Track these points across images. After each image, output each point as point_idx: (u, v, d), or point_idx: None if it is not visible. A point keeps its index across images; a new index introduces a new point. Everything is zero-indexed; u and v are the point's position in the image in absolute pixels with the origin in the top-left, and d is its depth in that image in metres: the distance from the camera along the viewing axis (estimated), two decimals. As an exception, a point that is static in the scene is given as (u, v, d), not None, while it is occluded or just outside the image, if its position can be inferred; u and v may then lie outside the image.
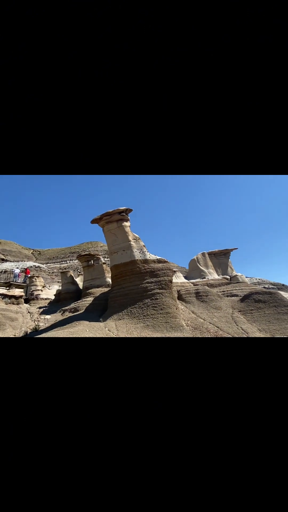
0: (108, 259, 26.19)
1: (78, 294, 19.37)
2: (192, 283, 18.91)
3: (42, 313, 17.49)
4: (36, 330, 13.34)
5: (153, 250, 14.35)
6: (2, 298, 17.55)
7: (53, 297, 20.69)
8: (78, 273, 27.07)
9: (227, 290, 17.65)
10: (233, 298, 16.00)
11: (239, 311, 13.74)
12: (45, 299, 20.69)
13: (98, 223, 15.05)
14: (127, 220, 14.73)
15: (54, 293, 21.35)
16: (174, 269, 16.62)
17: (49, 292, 22.17)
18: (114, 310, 12.85)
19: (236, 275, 22.17)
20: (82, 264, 19.78)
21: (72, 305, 17.07)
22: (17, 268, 24.74)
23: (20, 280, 21.81)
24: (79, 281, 21.08)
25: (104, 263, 19.40)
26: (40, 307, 18.90)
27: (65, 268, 32.43)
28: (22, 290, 19.84)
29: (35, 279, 21.84)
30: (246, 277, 23.27)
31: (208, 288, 16.30)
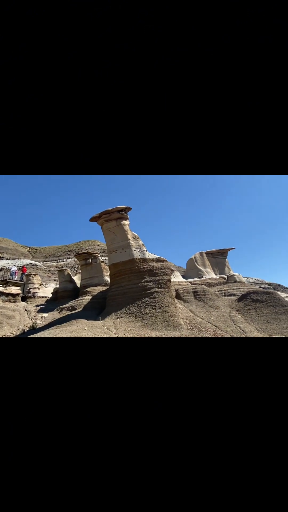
0: (106, 257, 26.15)
1: (76, 292, 19.32)
2: (190, 282, 18.96)
3: (39, 311, 17.42)
4: (33, 328, 13.29)
5: (150, 249, 14.38)
6: (-1, 296, 17.44)
7: (50, 295, 20.62)
8: (75, 271, 26.99)
9: (225, 290, 17.73)
10: (230, 297, 16.08)
11: (237, 311, 13.81)
12: (42, 297, 20.61)
13: (97, 221, 15.00)
14: (126, 219, 14.69)
15: (51, 291, 21.27)
16: (172, 268, 16.64)
17: (46, 290, 22.09)
18: (113, 309, 12.84)
19: (233, 274, 22.27)
20: (80, 263, 19.72)
21: (70, 303, 17.03)
22: (14, 265, 24.56)
23: (17, 278, 21.67)
24: (77, 279, 21.03)
25: (102, 262, 19.36)
26: (37, 305, 18.83)
27: (62, 267, 32.32)
28: (19, 288, 19.72)
29: (32, 277, 21.73)
30: (242, 276, 23.38)
31: (206, 287, 16.35)
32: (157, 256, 14.25)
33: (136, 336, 10.50)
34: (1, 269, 24.93)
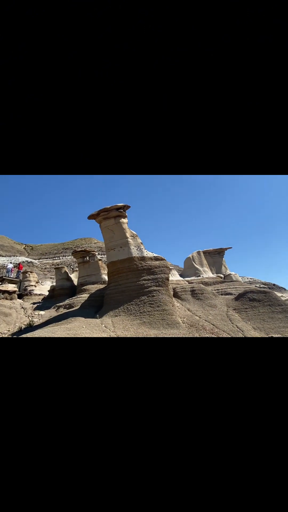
0: (103, 255, 26.06)
1: (73, 290, 19.28)
2: (187, 281, 19.07)
3: (36, 308, 17.36)
4: (30, 326, 13.24)
5: (147, 247, 14.40)
6: (-5, 294, 17.31)
7: (47, 293, 20.55)
8: (72, 269, 26.90)
9: (222, 289, 17.88)
10: (227, 296, 16.22)
11: (234, 309, 13.96)
12: (39, 294, 20.53)
13: (95, 219, 14.97)
14: (124, 217, 14.70)
15: (48, 289, 21.19)
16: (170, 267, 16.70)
17: (42, 288, 22.00)
18: (111, 307, 12.87)
19: (230, 274, 22.45)
20: (77, 261, 19.67)
21: (67, 301, 17.00)
22: (10, 263, 24.39)
23: (13, 275, 21.54)
24: (73, 277, 20.97)
25: (99, 260, 19.34)
26: (33, 303, 18.75)
27: (58, 264, 32.17)
28: (15, 285, 19.62)
29: (29, 274, 21.62)
30: (239, 276, 23.57)
31: (203, 286, 16.47)
32: (156, 255, 14.29)
33: (134, 334, 10.55)
34: (-3, 266, 24.72)
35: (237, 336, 11.19)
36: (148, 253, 14.21)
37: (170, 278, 14.76)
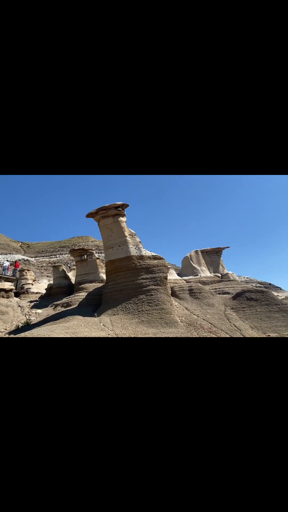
0: (100, 254, 26.01)
1: (70, 289, 19.25)
2: (185, 280, 19.15)
3: (33, 307, 17.30)
4: (28, 324, 13.21)
5: (145, 247, 14.43)
6: (-8, 292, 17.19)
7: (44, 291, 20.49)
8: (69, 267, 26.82)
9: (219, 288, 18.00)
10: (225, 295, 16.34)
11: (232, 309, 14.07)
12: (36, 293, 20.45)
13: (94, 218, 14.95)
14: (123, 215, 14.70)
15: (45, 287, 21.12)
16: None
17: (39, 286, 21.91)
18: (109, 306, 12.88)
19: (227, 273, 22.61)
20: (75, 259, 19.64)
21: (65, 299, 16.97)
22: (7, 261, 24.21)
23: (9, 273, 21.39)
24: (71, 275, 20.92)
25: (97, 258, 19.32)
26: (30, 301, 18.68)
27: (55, 263, 32.07)
28: (12, 283, 19.49)
29: (26, 272, 21.51)
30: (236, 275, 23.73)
31: (201, 285, 16.57)
32: (154, 254, 14.33)
33: (132, 332, 10.58)
34: (-7, 264, 24.52)
35: (235, 334, 11.30)
36: (146, 252, 14.24)
37: (168, 277, 14.81)
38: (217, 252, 23.91)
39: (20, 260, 32.70)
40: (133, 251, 13.92)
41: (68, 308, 15.12)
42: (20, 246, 42.61)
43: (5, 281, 19.61)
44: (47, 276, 29.93)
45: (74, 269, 22.38)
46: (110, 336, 9.95)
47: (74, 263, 26.77)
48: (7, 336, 11.50)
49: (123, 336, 10.00)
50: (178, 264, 30.82)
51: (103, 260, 22.02)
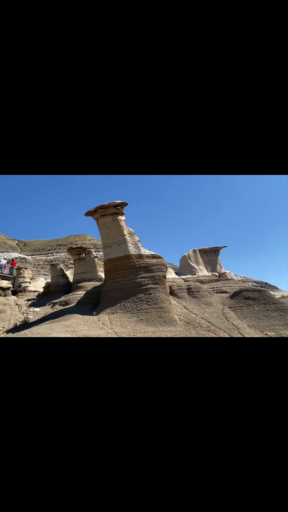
0: (97, 253, 25.92)
1: (68, 287, 19.22)
2: (183, 279, 19.23)
3: (30, 305, 17.25)
4: (26, 323, 13.17)
5: (143, 245, 14.46)
6: (-11, 290, 17.10)
7: (41, 290, 20.42)
8: (66, 266, 26.74)
9: (217, 287, 18.10)
10: (222, 294, 16.44)
11: (229, 307, 14.18)
12: (34, 291, 20.39)
13: (93, 216, 14.92)
14: (122, 214, 14.70)
15: (42, 285, 21.05)
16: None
17: (37, 285, 21.84)
18: (107, 304, 12.90)
19: (225, 272, 22.73)
20: (73, 257, 19.60)
21: (62, 298, 16.95)
22: (4, 259, 24.04)
23: (6, 271, 21.26)
24: (68, 274, 20.87)
25: (95, 257, 19.30)
26: (28, 300, 18.62)
27: (52, 261, 31.94)
28: (9, 281, 19.39)
29: (23, 270, 21.41)
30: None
31: (199, 284, 16.65)
32: (153, 253, 14.37)
33: (131, 331, 10.62)
34: (-10, 262, 24.33)
35: (233, 333, 11.40)
36: (145, 251, 14.27)
37: (166, 276, 14.85)
38: (215, 251, 24.02)
39: (16, 258, 32.51)
40: (132, 250, 13.94)
41: (66, 306, 15.11)
42: (16, 244, 42.36)
43: (2, 279, 19.49)
44: (44, 274, 29.81)
45: (71, 267, 22.33)
46: (109, 334, 9.98)
47: (71, 261, 26.68)
48: (5, 334, 11.46)
49: (122, 334, 10.04)
50: (175, 263, 30.91)
51: (101, 258, 21.99)
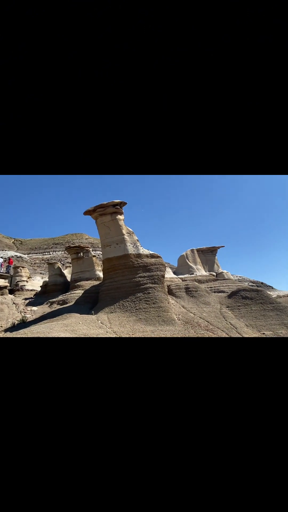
0: (95, 252, 25.90)
1: (66, 286, 19.20)
2: (181, 278, 19.34)
3: (28, 304, 17.21)
4: (23, 322, 13.15)
5: (142, 245, 14.49)
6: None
7: (38, 289, 20.36)
8: (63, 265, 26.66)
9: (215, 286, 18.25)
10: (220, 294, 16.59)
11: (227, 307, 14.33)
12: (31, 290, 20.32)
13: (91, 215, 14.93)
14: (121, 213, 14.74)
15: (39, 284, 20.98)
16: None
17: (34, 284, 21.77)
18: (106, 303, 12.94)
19: (222, 272, 22.92)
20: (71, 256, 19.58)
21: (60, 297, 16.93)
22: (1, 257, 23.86)
23: (3, 270, 21.10)
24: (66, 273, 20.83)
25: (94, 256, 19.29)
26: (25, 298, 18.57)
27: (48, 259, 31.81)
28: (5, 280, 19.29)
29: (20, 269, 21.31)
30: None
31: (197, 283, 16.78)
32: (151, 252, 14.44)
33: (130, 330, 10.69)
34: (-14, 260, 24.09)
35: (231, 332, 11.54)
36: (144, 251, 14.33)
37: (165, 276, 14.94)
38: (212, 251, 24.20)
39: (13, 256, 32.29)
40: (131, 249, 13.99)
41: (64, 305, 15.11)
42: (12, 242, 42.06)
43: (-1, 278, 19.37)
44: (40, 273, 29.70)
45: (68, 266, 22.29)
46: (108, 333, 10.03)
47: (68, 260, 26.61)
48: (3, 333, 11.43)
49: (121, 333, 10.09)
50: (172, 262, 31.04)
51: (98, 257, 21.99)
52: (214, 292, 17.10)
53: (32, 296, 19.27)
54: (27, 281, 20.99)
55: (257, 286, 26.73)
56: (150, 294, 12.85)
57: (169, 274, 19.29)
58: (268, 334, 11.77)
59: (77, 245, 20.55)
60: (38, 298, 18.54)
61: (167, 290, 14.56)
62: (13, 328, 12.29)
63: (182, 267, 21.59)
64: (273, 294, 20.14)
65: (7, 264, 22.35)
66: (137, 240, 14.58)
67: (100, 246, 23.76)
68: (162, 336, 9.92)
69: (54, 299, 16.92)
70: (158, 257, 14.28)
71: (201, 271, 21.18)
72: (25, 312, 15.43)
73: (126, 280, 13.48)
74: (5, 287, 18.38)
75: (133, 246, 14.18)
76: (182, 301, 14.65)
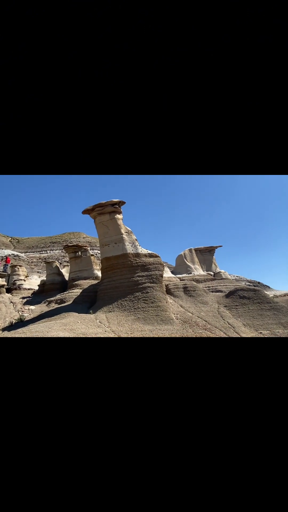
0: (92, 250, 25.85)
1: (64, 285, 19.17)
2: (179, 278, 19.41)
3: (25, 303, 17.17)
4: (21, 321, 13.12)
5: (140, 244, 14.54)
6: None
7: (36, 288, 20.31)
8: (60, 263, 26.61)
9: (212, 286, 18.33)
10: (218, 293, 16.68)
11: (225, 306, 14.42)
12: (28, 289, 20.26)
13: (90, 214, 14.92)
14: (119, 213, 14.74)
15: (36, 283, 20.93)
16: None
17: (31, 282, 21.71)
18: (104, 303, 12.96)
19: (220, 271, 23.02)
20: (69, 255, 19.54)
21: (58, 296, 16.91)
22: (-2, 256, 23.77)
23: (0, 268, 21.03)
24: (64, 272, 20.80)
25: (92, 255, 19.28)
26: (23, 297, 18.51)
27: (45, 258, 31.74)
28: (3, 279, 19.21)
29: (18, 268, 21.24)
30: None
31: (195, 283, 16.85)
32: (150, 252, 14.47)
33: (129, 329, 10.73)
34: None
35: (229, 331, 11.63)
36: (142, 250, 14.36)
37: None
38: (210, 250, 24.30)
39: (10, 255, 32.13)
40: (129, 249, 14.02)
41: (63, 304, 15.10)
42: (9, 241, 41.83)
43: (-4, 277, 19.30)
44: (38, 272, 29.62)
45: (66, 265, 22.27)
46: (107, 332, 10.06)
47: (66, 259, 26.56)
48: (1, 332, 11.41)
49: (119, 332, 10.13)
50: (170, 262, 31.10)
51: (96, 256, 21.99)
52: (212, 291, 17.19)
53: (29, 295, 19.22)
54: (24, 280, 20.93)
55: (254, 286, 26.90)
56: (149, 294, 12.89)
57: (167, 273, 19.34)
58: (266, 333, 11.88)
59: (75, 244, 20.53)
60: (36, 297, 18.49)
61: (165, 289, 14.61)
62: (11, 327, 12.27)
63: (180, 267, 21.66)
64: (270, 293, 20.29)
65: (4, 263, 22.33)
66: (136, 240, 14.61)
67: (98, 245, 23.78)
68: (161, 335, 9.98)
69: (52, 298, 16.90)
70: (156, 256, 14.32)
71: (199, 271, 21.27)
72: (23, 311, 15.39)
73: (125, 280, 13.51)
74: (2, 286, 18.31)
75: (131, 246, 14.20)
76: (180, 300, 14.72)
